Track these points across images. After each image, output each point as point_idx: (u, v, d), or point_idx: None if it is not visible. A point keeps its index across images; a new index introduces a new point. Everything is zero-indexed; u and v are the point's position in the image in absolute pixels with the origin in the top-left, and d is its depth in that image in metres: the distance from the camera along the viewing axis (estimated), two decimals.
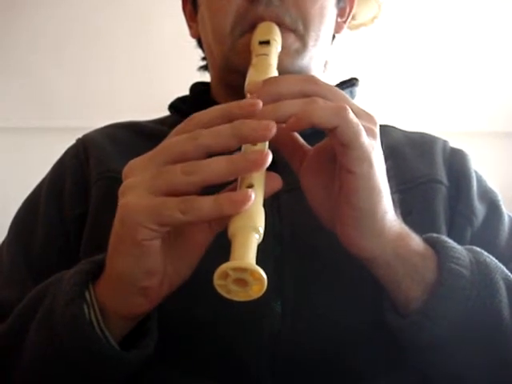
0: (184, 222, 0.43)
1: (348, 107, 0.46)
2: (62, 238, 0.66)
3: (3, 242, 0.70)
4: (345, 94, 0.50)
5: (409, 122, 1.24)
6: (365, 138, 0.46)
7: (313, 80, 0.49)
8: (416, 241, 0.53)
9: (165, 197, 0.43)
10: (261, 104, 0.45)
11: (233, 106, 0.46)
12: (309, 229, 0.57)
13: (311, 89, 0.48)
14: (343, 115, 0.45)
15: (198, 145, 0.44)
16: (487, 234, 0.66)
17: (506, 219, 0.68)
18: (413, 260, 0.52)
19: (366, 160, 0.46)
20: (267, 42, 0.61)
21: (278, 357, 0.56)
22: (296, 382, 0.57)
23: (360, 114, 0.48)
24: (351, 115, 0.45)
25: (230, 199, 0.42)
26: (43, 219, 0.67)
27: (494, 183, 0.72)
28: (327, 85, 0.50)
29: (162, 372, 0.57)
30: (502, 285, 0.52)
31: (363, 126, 0.47)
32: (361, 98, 0.76)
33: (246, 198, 0.42)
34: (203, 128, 0.45)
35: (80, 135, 0.75)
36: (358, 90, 0.77)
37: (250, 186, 0.44)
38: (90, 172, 0.68)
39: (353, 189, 0.47)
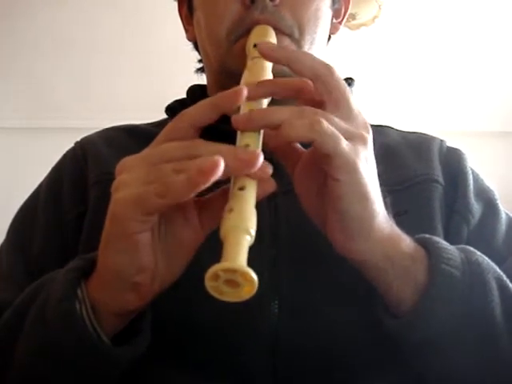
0: (164, 204, 0.43)
1: (322, 120, 0.45)
2: (61, 241, 0.66)
3: (2, 244, 0.70)
4: (337, 95, 0.49)
5: (407, 122, 1.24)
6: (344, 147, 0.46)
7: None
8: (406, 242, 0.53)
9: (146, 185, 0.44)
10: (245, 91, 0.46)
11: (218, 97, 0.47)
12: (305, 230, 0.57)
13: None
14: (317, 129, 0.45)
15: (191, 154, 0.44)
16: (484, 232, 0.66)
17: (503, 217, 0.68)
18: (403, 262, 0.52)
19: (350, 167, 0.46)
20: None
21: (277, 356, 0.57)
22: (297, 381, 0.58)
23: (350, 118, 0.48)
24: (325, 127, 0.45)
25: (197, 169, 0.41)
26: (41, 222, 0.68)
27: (492, 183, 0.72)
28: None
29: (161, 372, 0.58)
30: (493, 284, 0.52)
31: (350, 131, 0.47)
32: (359, 97, 0.76)
33: (214, 165, 0.41)
34: (193, 124, 0.47)
35: (80, 135, 0.75)
36: (355, 89, 0.77)
37: (242, 188, 0.44)
38: (88, 174, 0.68)
39: (338, 195, 0.47)
